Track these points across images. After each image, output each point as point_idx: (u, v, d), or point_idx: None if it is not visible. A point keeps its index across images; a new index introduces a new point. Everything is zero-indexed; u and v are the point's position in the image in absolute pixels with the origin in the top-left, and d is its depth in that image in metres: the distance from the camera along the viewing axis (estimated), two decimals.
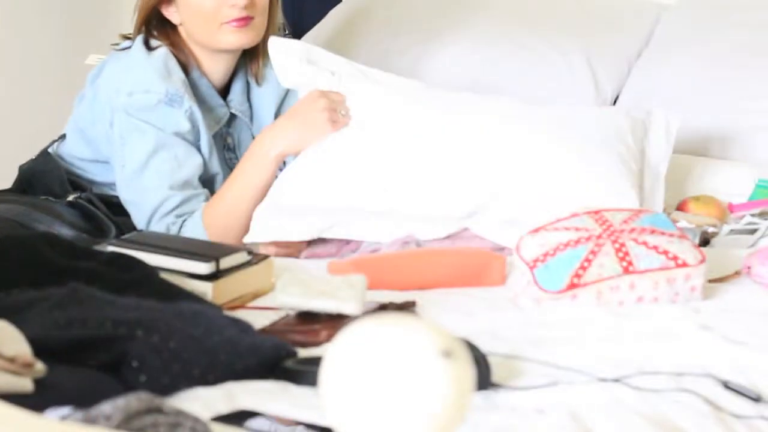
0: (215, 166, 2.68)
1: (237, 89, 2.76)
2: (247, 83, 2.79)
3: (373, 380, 1.20)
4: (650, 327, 2.03)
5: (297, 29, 3.65)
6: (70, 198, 2.62)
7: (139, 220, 2.59)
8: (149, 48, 2.65)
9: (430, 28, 3.26)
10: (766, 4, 3.10)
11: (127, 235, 2.32)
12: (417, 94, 2.65)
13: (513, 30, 3.21)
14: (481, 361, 1.74)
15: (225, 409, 1.65)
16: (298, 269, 2.31)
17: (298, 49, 2.68)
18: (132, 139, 2.59)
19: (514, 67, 3.13)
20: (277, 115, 2.80)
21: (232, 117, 2.76)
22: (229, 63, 2.72)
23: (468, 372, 1.21)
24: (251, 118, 2.79)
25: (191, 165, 2.59)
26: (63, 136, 2.74)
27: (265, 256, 2.24)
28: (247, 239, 2.45)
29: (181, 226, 2.55)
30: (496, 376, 1.77)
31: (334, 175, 2.53)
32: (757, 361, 1.89)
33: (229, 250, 2.18)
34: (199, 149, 2.63)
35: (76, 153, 2.72)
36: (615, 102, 3.10)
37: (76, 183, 2.68)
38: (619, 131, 2.57)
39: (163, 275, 2.07)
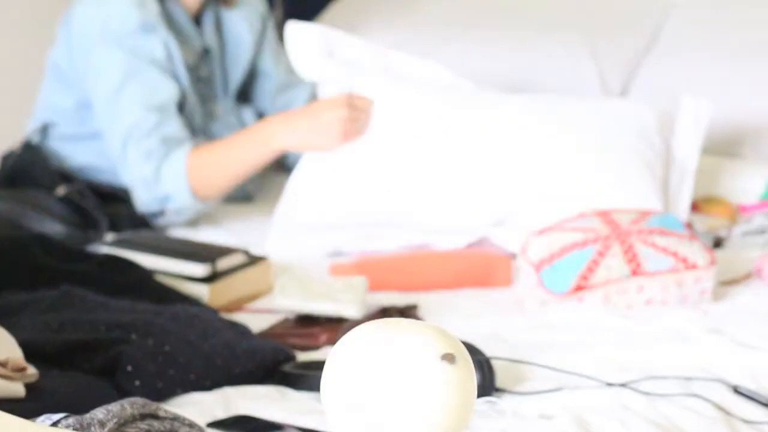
0: (192, 101, 2.67)
1: (208, 22, 2.76)
2: (218, 18, 2.78)
3: (374, 385, 1.20)
4: (659, 330, 2.02)
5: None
6: (61, 191, 2.60)
7: (115, 145, 2.57)
8: None
9: (433, 24, 3.26)
10: None
11: (122, 236, 2.31)
12: (436, 95, 2.60)
13: (519, 26, 3.22)
14: (484, 366, 1.73)
15: (222, 413, 1.64)
16: (298, 270, 2.30)
17: (316, 37, 2.62)
18: (107, 67, 2.58)
19: (520, 63, 3.13)
20: (258, 42, 2.81)
21: (206, 50, 2.75)
22: None
23: (471, 376, 1.21)
24: (224, 52, 2.79)
25: (167, 90, 2.58)
26: (45, 128, 2.71)
27: (263, 257, 2.22)
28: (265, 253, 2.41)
29: (164, 157, 2.53)
30: (500, 380, 1.76)
31: (351, 187, 2.51)
32: None
33: (225, 251, 2.18)
34: (176, 79, 2.63)
35: (58, 103, 2.71)
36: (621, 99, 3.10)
37: (66, 174, 2.67)
38: (644, 131, 2.52)
39: (159, 277, 2.07)
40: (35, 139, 2.71)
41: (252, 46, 2.81)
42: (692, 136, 2.55)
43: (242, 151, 2.53)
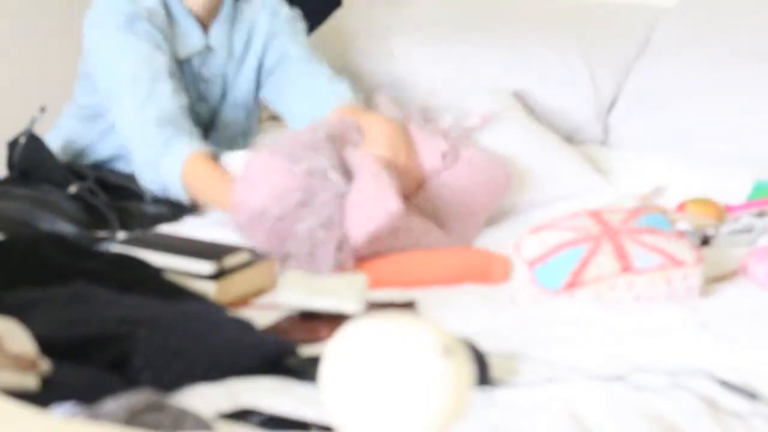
0: (183, 93, 2.71)
1: (220, 20, 2.79)
2: (232, 19, 2.81)
3: (372, 378, 1.19)
4: (648, 325, 2.04)
5: None
6: (72, 189, 2.63)
7: (119, 127, 2.65)
8: None
9: (431, 32, 3.25)
10: (763, 8, 3.10)
11: (130, 235, 2.33)
12: None
13: (512, 32, 3.21)
14: (480, 359, 1.75)
15: (227, 406, 1.65)
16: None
17: None
18: (99, 48, 2.67)
19: (514, 70, 3.12)
20: (264, 51, 2.84)
21: (210, 49, 2.79)
22: None
23: (467, 370, 1.21)
24: (231, 53, 2.82)
25: (159, 58, 2.65)
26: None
27: (267, 256, 2.24)
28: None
29: (164, 144, 2.58)
30: (495, 373, 1.78)
31: None
32: (753, 359, 1.90)
33: (231, 249, 2.18)
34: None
35: (86, 101, 2.77)
36: (613, 103, 3.10)
37: (78, 171, 2.70)
38: None
39: (167, 275, 2.07)
40: (40, 130, 2.74)
41: (260, 50, 2.84)
42: None
43: (224, 200, 2.50)
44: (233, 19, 2.81)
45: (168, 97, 2.62)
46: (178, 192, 2.59)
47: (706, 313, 2.10)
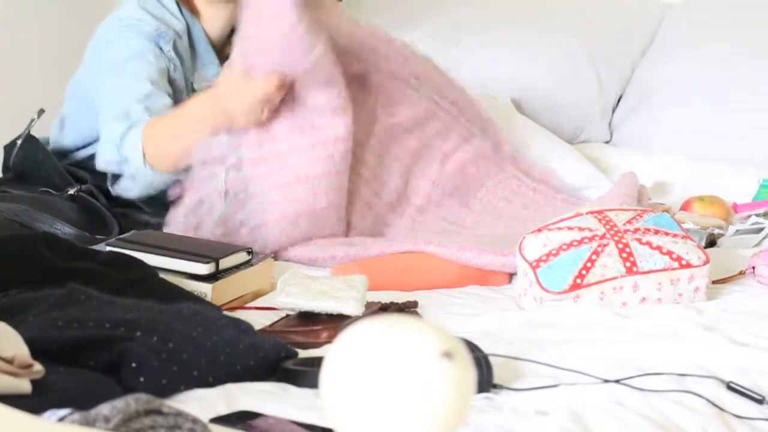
0: None
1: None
2: None
3: (373, 381, 1.19)
4: (653, 328, 2.03)
5: None
6: (71, 191, 2.61)
7: (104, 109, 2.59)
8: None
9: (433, 27, 3.26)
10: None
11: (126, 235, 2.33)
12: None
13: (517, 29, 3.23)
14: (482, 362, 1.74)
15: (224, 410, 1.64)
16: (299, 269, 2.31)
17: None
18: (116, 43, 2.62)
19: (518, 66, 3.13)
20: None
21: None
22: (228, 14, 2.72)
23: (469, 373, 1.21)
24: None
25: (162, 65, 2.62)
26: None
27: (266, 256, 2.23)
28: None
29: (138, 122, 2.53)
30: (497, 377, 1.77)
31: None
32: (761, 362, 1.89)
33: (229, 250, 2.18)
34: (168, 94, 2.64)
35: (80, 126, 2.74)
36: (618, 102, 3.11)
37: (75, 174, 2.68)
38: None
39: (163, 276, 2.07)
40: (37, 130, 2.72)
41: None
42: None
43: (196, 124, 2.48)
44: None
45: (163, 104, 2.58)
46: (138, 164, 2.52)
47: (712, 315, 2.10)
